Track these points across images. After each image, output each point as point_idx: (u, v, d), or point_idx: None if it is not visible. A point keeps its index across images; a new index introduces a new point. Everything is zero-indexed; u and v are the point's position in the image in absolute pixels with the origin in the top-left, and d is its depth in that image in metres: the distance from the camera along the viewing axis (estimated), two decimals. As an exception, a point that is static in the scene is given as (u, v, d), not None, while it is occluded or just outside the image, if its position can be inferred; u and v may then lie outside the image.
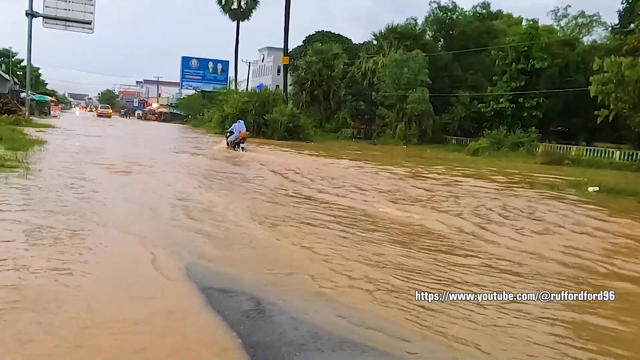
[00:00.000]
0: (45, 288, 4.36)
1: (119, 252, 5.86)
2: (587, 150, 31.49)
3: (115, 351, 3.45)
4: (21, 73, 56.32)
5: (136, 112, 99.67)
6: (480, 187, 15.04)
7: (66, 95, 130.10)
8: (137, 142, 27.09)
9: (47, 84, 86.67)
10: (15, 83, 47.48)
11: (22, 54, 57.03)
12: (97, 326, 3.77)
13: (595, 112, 25.28)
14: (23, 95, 42.93)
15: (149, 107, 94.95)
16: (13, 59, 59.00)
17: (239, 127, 24.14)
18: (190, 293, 4.58)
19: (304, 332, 3.91)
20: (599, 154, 30.58)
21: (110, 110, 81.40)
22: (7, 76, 42.28)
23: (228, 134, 24.79)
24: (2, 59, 51.80)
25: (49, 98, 62.02)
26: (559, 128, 41.75)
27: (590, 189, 15.77)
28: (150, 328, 3.84)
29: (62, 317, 3.86)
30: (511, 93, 35.73)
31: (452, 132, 40.97)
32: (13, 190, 8.67)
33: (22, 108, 37.67)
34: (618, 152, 30.04)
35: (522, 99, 35.49)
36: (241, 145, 23.12)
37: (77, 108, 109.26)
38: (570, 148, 32.26)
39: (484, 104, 37.69)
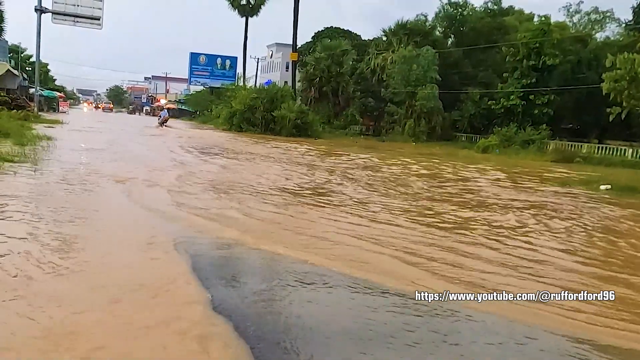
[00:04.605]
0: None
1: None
2: (598, 148, 31.08)
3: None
4: (30, 69, 56.45)
5: (144, 108, 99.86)
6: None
7: (75, 91, 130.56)
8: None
9: (55, 79, 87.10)
10: (24, 79, 47.54)
11: (31, 50, 57.17)
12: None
13: (608, 110, 25.06)
14: (32, 90, 43.07)
15: (157, 103, 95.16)
16: (22, 55, 59.11)
17: (164, 114, 41.92)
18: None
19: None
20: (611, 152, 30.17)
21: (111, 105, 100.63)
22: (16, 72, 42.26)
23: (159, 118, 42.63)
24: (11, 54, 51.84)
25: (58, 94, 62.32)
26: (570, 125, 41.35)
27: (602, 187, 15.62)
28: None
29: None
30: (522, 90, 35.36)
31: (462, 129, 40.67)
32: (19, 185, 8.66)
33: (30, 104, 37.74)
34: (630, 150, 29.63)
35: (532, 96, 35.13)
36: (164, 124, 39.33)
37: (86, 104, 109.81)
38: (581, 146, 31.87)
39: (494, 101, 37.34)
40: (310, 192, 11.12)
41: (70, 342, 3.47)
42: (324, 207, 9.42)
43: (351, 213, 8.89)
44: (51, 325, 3.67)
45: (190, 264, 5.33)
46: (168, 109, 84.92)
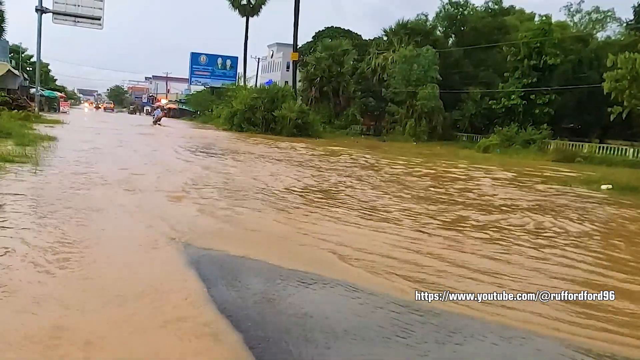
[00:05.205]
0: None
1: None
2: (599, 147, 31.02)
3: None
4: (31, 69, 56.44)
5: (145, 108, 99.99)
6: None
7: (75, 91, 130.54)
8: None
9: (56, 79, 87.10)
10: (25, 79, 47.54)
11: (32, 50, 57.21)
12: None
13: (609, 109, 24.97)
14: (32, 91, 43.09)
15: (157, 103, 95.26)
16: (23, 55, 59.11)
17: (157, 113, 45.31)
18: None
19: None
20: (612, 152, 30.14)
21: (112, 105, 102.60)
22: (17, 72, 42.27)
23: (152, 116, 46.11)
24: (12, 55, 51.83)
25: (59, 94, 62.34)
26: (571, 125, 41.29)
27: (603, 186, 15.60)
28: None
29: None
30: (523, 89, 35.32)
31: (463, 129, 40.61)
32: (22, 184, 8.66)
33: (31, 104, 37.76)
34: (631, 150, 29.60)
35: (533, 95, 35.09)
36: (158, 123, 42.07)
37: (86, 104, 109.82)
38: (582, 145, 31.82)
39: (495, 101, 37.30)
40: (312, 193, 11.10)
41: (68, 340, 3.47)
42: (330, 208, 9.40)
43: (361, 217, 8.87)
44: (50, 324, 3.66)
45: (189, 264, 5.32)
46: (169, 108, 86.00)
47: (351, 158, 21.57)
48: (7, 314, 3.85)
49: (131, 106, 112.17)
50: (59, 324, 3.71)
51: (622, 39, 37.09)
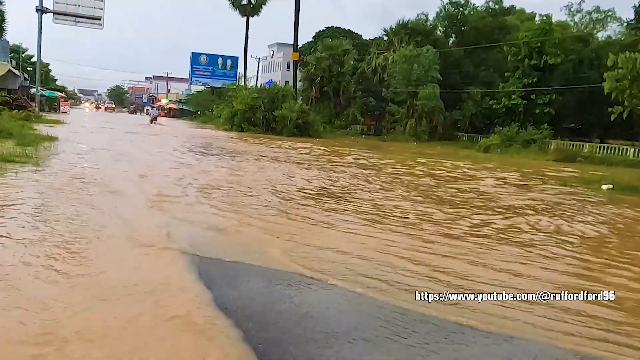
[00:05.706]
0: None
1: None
2: (600, 147, 31.02)
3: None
4: (31, 69, 56.48)
5: (145, 108, 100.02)
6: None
7: (76, 91, 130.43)
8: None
9: (57, 79, 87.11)
10: (25, 79, 47.53)
11: (32, 50, 57.19)
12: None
13: (609, 109, 24.95)
14: (33, 91, 43.10)
15: (158, 103, 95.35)
16: (23, 55, 59.13)
17: (153, 112, 47.63)
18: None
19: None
20: (613, 151, 30.13)
21: (113, 105, 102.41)
22: (17, 72, 42.24)
23: (149, 116, 48.20)
24: (12, 55, 51.79)
25: (59, 94, 62.31)
26: (572, 125, 41.29)
27: (604, 186, 15.60)
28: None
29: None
30: (523, 89, 35.29)
31: (463, 129, 40.60)
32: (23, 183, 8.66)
33: (32, 104, 37.76)
34: (632, 149, 29.59)
35: (534, 95, 35.06)
36: (154, 122, 43.93)
37: (87, 104, 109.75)
38: (583, 145, 31.81)
39: (495, 101, 37.28)
40: (311, 194, 11.09)
41: (68, 340, 3.47)
42: (335, 208, 9.40)
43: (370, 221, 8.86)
44: (50, 324, 3.66)
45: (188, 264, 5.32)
46: (170, 108, 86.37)
47: (352, 158, 21.56)
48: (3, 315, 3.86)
49: (131, 106, 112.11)
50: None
51: (622, 38, 37.11)
